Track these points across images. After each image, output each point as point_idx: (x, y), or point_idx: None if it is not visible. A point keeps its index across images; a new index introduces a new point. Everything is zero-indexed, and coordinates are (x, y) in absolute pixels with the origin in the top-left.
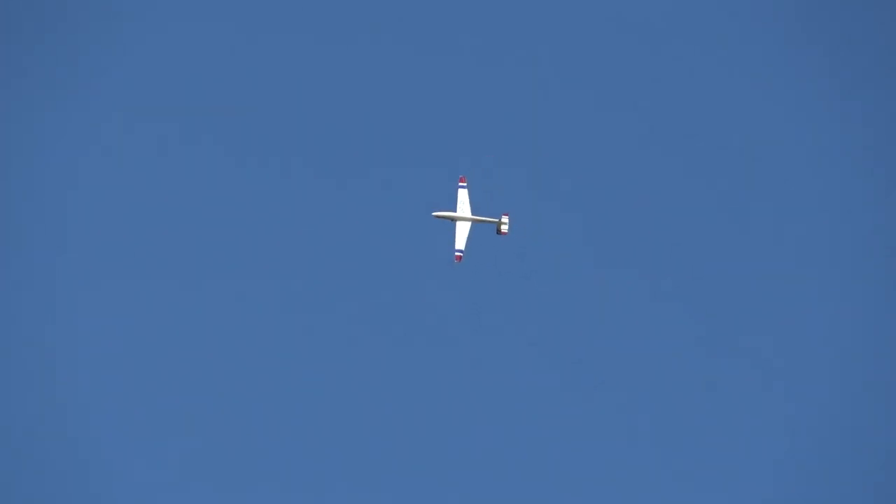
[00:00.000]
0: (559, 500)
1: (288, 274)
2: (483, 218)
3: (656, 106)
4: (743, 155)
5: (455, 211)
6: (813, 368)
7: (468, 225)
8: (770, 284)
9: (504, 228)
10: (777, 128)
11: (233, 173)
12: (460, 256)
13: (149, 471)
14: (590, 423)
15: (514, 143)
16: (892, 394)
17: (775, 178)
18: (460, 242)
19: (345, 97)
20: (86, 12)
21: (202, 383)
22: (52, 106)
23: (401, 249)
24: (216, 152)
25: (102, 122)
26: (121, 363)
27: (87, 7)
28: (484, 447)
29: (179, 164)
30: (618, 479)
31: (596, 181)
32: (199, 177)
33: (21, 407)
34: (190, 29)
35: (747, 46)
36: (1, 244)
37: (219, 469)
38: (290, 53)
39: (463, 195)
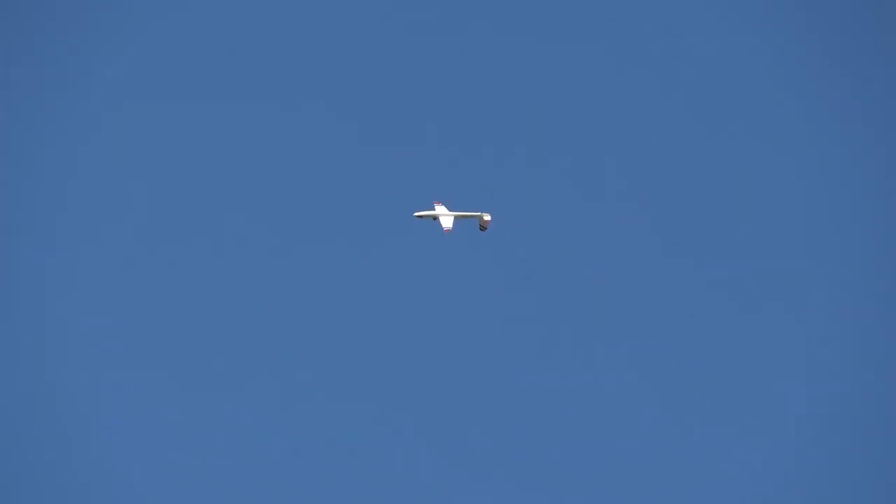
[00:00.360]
0: (561, 501)
1: (285, 273)
2: (465, 213)
3: (657, 102)
4: (743, 159)
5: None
6: (814, 370)
7: (451, 218)
8: (770, 285)
9: (486, 218)
10: (777, 129)
11: (233, 172)
12: (449, 230)
13: (148, 472)
14: (590, 424)
15: (514, 141)
16: (892, 394)
17: (774, 179)
18: (447, 223)
19: (344, 95)
20: (84, 12)
21: (202, 384)
22: (49, 104)
23: (405, 246)
24: (217, 152)
25: (100, 121)
26: (120, 363)
27: (85, 7)
28: (485, 447)
29: (179, 163)
30: (618, 480)
31: (594, 179)
32: (198, 175)
33: (19, 408)
34: (190, 26)
35: (747, 49)
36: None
37: (219, 470)
38: (291, 49)
39: (440, 208)
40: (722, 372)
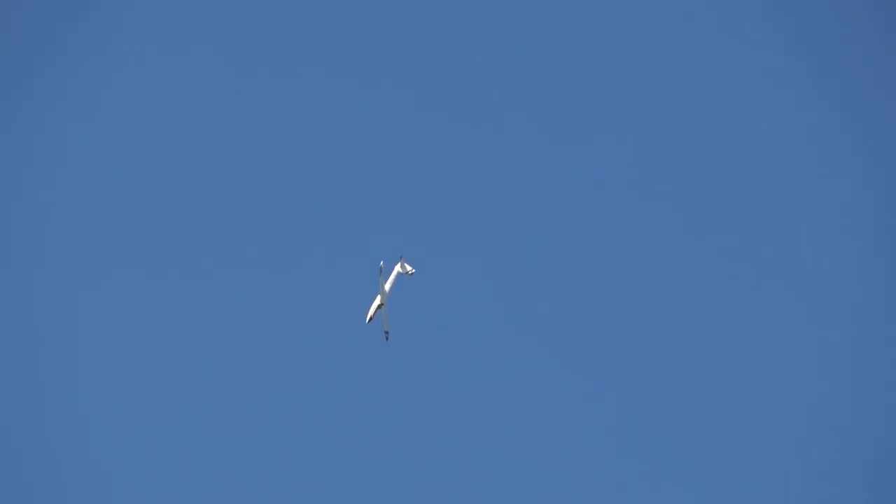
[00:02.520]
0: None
1: (283, 276)
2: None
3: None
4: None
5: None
6: (813, 374)
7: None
8: (769, 287)
9: (408, 269)
10: (779, 130)
11: (233, 176)
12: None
13: (146, 474)
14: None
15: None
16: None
17: (769, 179)
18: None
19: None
20: (85, 21)
21: (199, 389)
22: (53, 109)
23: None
24: (215, 155)
25: (103, 124)
26: (118, 368)
27: (86, 17)
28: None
29: (178, 165)
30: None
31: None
32: (197, 180)
33: (19, 410)
34: (190, 40)
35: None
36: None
37: (217, 472)
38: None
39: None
40: (729, 367)
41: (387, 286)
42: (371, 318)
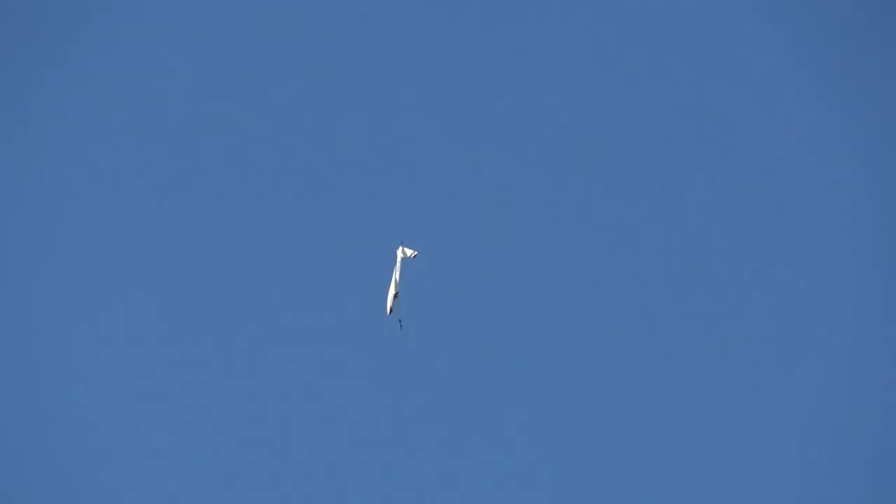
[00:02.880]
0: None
1: (284, 277)
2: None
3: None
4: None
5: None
6: (813, 374)
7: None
8: (767, 287)
9: (409, 253)
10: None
11: (233, 178)
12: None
13: (146, 476)
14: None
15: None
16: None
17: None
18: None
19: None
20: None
21: (200, 390)
22: (53, 109)
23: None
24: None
25: (103, 124)
26: (118, 369)
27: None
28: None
29: (178, 166)
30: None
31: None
32: (197, 180)
33: (19, 411)
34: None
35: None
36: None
37: (217, 473)
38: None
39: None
40: (724, 372)
41: (396, 274)
42: (391, 309)
